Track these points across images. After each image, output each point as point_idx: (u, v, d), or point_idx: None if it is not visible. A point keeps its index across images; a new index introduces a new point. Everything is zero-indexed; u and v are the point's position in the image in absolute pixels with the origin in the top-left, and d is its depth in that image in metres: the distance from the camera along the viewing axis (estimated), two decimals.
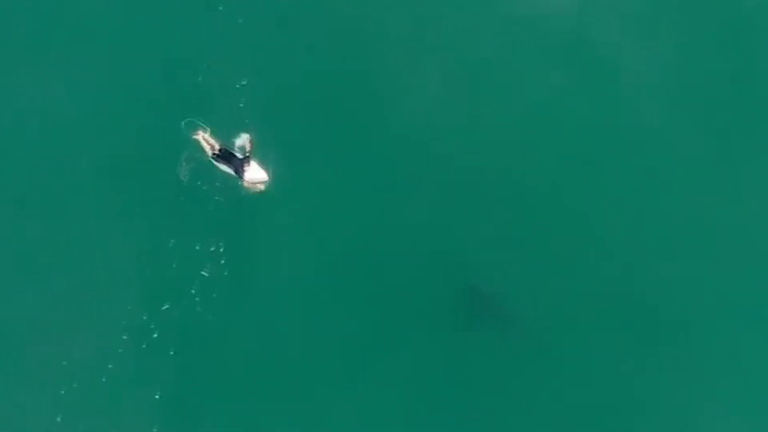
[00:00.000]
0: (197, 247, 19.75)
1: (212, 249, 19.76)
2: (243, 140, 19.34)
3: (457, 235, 20.22)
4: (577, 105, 21.14)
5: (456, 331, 19.55)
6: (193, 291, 19.46)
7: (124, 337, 19.17)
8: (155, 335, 19.17)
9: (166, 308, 19.36)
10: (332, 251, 19.99)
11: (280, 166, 20.13)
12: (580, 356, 19.49)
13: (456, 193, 20.49)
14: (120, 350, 19.07)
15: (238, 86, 21.13)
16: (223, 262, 19.68)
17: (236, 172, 19.62)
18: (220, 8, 21.82)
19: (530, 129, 21.04)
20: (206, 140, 19.73)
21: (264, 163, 19.69)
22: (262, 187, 19.79)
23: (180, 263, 19.65)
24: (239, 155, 19.48)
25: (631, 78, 21.42)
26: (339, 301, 19.68)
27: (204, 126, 19.79)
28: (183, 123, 19.79)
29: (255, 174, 19.61)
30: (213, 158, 19.72)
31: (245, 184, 19.70)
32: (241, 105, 20.98)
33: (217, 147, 19.67)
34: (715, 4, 22.13)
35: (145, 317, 19.31)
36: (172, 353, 19.09)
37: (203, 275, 19.57)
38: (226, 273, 19.60)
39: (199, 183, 20.08)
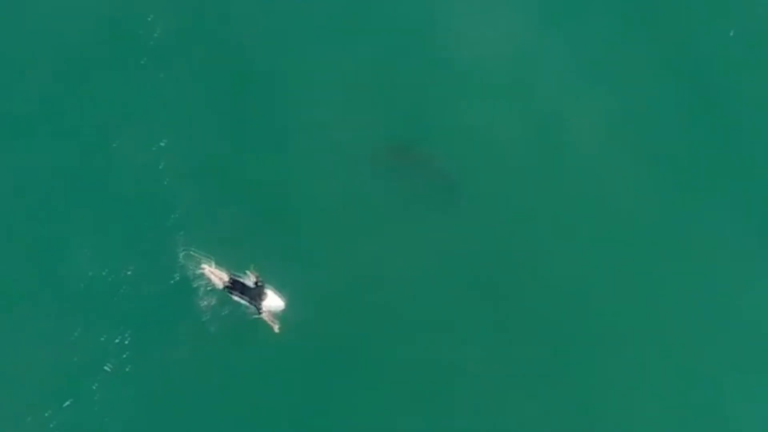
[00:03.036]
0: (102, 339, 18.48)
1: (117, 341, 18.45)
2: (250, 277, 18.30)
3: None
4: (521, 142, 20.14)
5: None
6: (94, 387, 18.30)
7: None
8: None
9: (68, 405, 18.24)
10: (245, 351, 18.40)
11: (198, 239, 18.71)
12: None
13: None
14: None
15: (155, 148, 19.46)
16: (125, 355, 18.34)
17: (252, 302, 18.30)
18: (142, 61, 20.01)
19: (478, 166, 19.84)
20: (213, 273, 18.43)
21: (278, 290, 18.41)
22: (277, 328, 18.32)
23: (84, 355, 18.45)
24: (250, 284, 18.29)
25: (573, 119, 20.22)
26: (252, 404, 18.17)
27: (206, 256, 18.44)
28: (181, 255, 18.53)
29: (272, 302, 18.30)
30: (226, 290, 18.42)
31: (264, 316, 18.31)
32: (161, 167, 19.43)
33: (226, 278, 18.38)
34: (653, 48, 20.82)
35: (47, 414, 18.21)
36: None
37: (106, 370, 18.33)
38: (128, 369, 18.29)
39: (104, 273, 18.68)
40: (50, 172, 19.37)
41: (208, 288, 18.32)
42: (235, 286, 18.25)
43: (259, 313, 18.18)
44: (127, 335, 18.34)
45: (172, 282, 18.49)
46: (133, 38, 20.16)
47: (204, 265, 18.33)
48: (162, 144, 19.47)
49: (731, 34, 20.83)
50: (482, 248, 19.01)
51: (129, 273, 18.60)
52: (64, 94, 19.86)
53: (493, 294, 18.73)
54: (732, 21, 20.91)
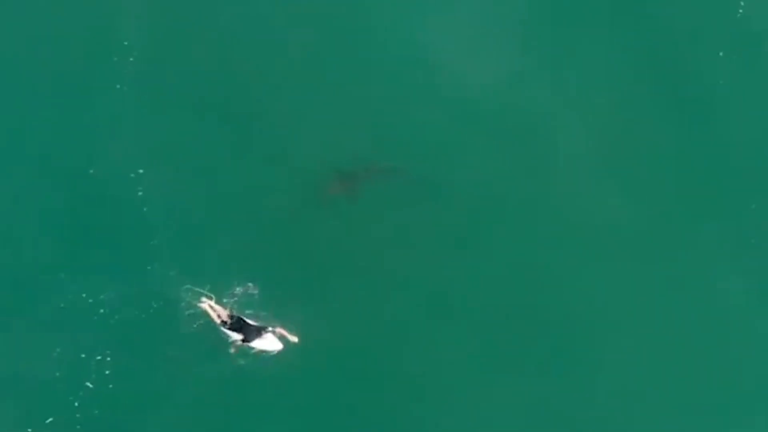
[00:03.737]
0: (83, 356, 18.92)
1: (98, 358, 18.90)
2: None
3: None
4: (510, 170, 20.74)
5: None
6: (76, 404, 18.71)
7: None
8: None
9: (50, 422, 18.65)
10: (231, 370, 18.89)
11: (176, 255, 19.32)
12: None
13: None
14: None
15: (133, 175, 19.90)
16: (108, 372, 18.79)
17: (245, 339, 18.60)
18: (118, 86, 20.41)
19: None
20: (213, 308, 18.79)
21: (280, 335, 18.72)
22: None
23: (65, 372, 18.87)
24: (254, 323, 18.63)
25: (562, 149, 20.87)
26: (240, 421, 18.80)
27: (206, 293, 18.85)
28: (182, 290, 18.90)
29: (268, 344, 18.59)
30: (222, 326, 18.77)
31: (255, 351, 18.70)
32: (140, 194, 19.85)
33: (224, 314, 18.74)
34: (644, 76, 21.46)
35: (29, 431, 18.61)
36: None
37: (88, 386, 18.75)
38: (111, 386, 18.74)
39: (84, 295, 19.11)
40: (24, 198, 19.62)
41: (200, 322, 18.77)
42: (233, 323, 18.60)
43: (249, 347, 18.54)
44: (108, 353, 18.73)
45: (154, 306, 18.87)
46: (108, 63, 20.55)
47: (204, 299, 18.79)
48: (140, 171, 19.87)
49: (720, 54, 21.54)
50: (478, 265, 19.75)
51: (109, 297, 18.97)
52: (38, 121, 20.15)
53: (489, 292, 19.42)
54: (722, 42, 21.63)
